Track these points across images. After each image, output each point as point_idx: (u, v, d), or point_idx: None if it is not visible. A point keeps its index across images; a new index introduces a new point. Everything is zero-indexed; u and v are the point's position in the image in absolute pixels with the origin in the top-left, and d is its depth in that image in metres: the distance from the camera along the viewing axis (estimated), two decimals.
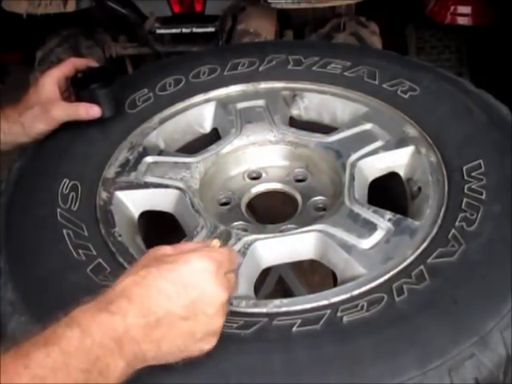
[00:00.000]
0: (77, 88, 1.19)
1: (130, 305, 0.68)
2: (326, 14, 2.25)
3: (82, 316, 0.66)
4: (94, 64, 1.25)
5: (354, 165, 1.10)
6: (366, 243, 0.95)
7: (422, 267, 0.88)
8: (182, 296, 0.70)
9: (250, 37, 1.99)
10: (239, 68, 1.32)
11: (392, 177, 1.13)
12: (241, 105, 1.25)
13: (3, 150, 1.18)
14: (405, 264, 0.90)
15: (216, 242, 0.81)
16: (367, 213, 1.00)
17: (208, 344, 0.74)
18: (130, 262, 0.94)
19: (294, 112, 1.29)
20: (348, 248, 0.95)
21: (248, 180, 1.21)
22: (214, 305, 0.72)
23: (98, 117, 1.17)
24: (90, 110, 1.16)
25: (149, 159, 1.14)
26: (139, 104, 1.27)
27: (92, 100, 1.17)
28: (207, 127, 1.28)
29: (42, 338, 0.63)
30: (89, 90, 1.17)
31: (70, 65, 1.21)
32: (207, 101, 1.28)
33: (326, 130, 1.22)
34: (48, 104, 1.15)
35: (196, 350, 0.73)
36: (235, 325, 0.83)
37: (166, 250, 0.77)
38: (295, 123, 1.27)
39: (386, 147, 1.12)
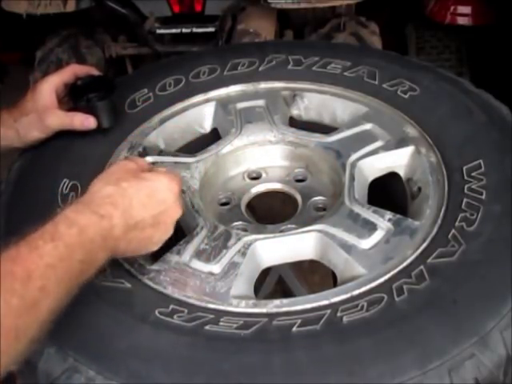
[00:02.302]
0: (74, 97, 1.17)
1: (116, 210, 0.83)
2: (325, 14, 2.25)
3: (79, 217, 0.80)
4: (95, 72, 1.23)
5: (353, 165, 1.09)
6: (366, 243, 0.95)
7: (421, 267, 0.88)
8: (154, 207, 0.88)
9: (249, 37, 1.99)
10: (239, 68, 1.32)
11: (392, 177, 1.13)
12: (241, 105, 1.25)
13: None
14: (405, 264, 0.90)
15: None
16: (367, 213, 0.99)
17: (156, 246, 0.92)
18: (129, 263, 0.94)
19: (294, 112, 1.29)
20: (348, 248, 0.95)
21: (248, 180, 1.21)
22: (172, 218, 0.91)
23: (93, 128, 1.16)
24: (85, 121, 1.15)
25: (149, 159, 1.14)
26: (139, 104, 1.27)
27: (89, 110, 1.16)
28: (207, 127, 1.28)
29: (47, 235, 0.75)
30: (86, 99, 1.16)
31: (71, 71, 1.20)
32: (207, 101, 1.28)
33: (326, 129, 1.22)
34: (44, 112, 1.14)
35: (147, 250, 0.91)
36: (235, 325, 0.83)
37: (131, 165, 0.92)
38: (295, 123, 1.27)
39: (386, 147, 1.12)
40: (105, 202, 0.83)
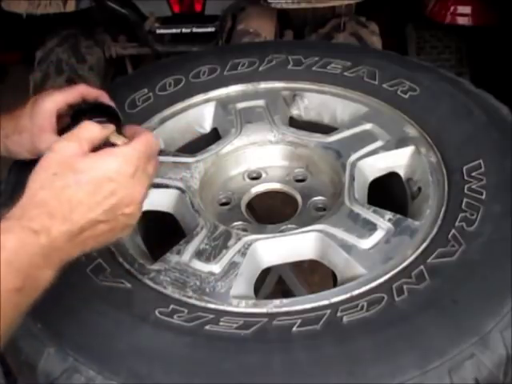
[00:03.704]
0: (75, 123, 1.01)
1: (53, 220, 0.71)
2: (325, 14, 2.25)
3: (7, 239, 0.68)
4: (104, 98, 1.09)
5: (353, 165, 1.09)
6: (366, 243, 0.95)
7: (422, 267, 0.88)
8: (103, 204, 0.75)
9: (249, 37, 1.99)
10: (239, 68, 1.32)
11: (392, 177, 1.13)
12: (241, 105, 1.25)
13: None
14: (405, 264, 0.90)
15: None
16: (367, 213, 0.99)
17: (126, 232, 0.81)
18: (129, 262, 0.94)
19: (294, 112, 1.29)
20: (348, 248, 0.95)
21: (248, 180, 1.21)
22: (132, 204, 0.78)
23: None
24: None
25: None
26: (139, 104, 1.27)
27: None
28: (207, 127, 1.28)
29: None
30: None
31: (77, 93, 1.06)
32: (207, 101, 1.28)
33: (326, 129, 1.22)
34: (38, 135, 1.03)
35: (115, 239, 0.81)
36: (235, 325, 0.83)
37: (70, 149, 0.77)
38: (295, 123, 1.27)
39: (386, 147, 1.12)
40: (40, 212, 0.72)
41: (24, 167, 1.14)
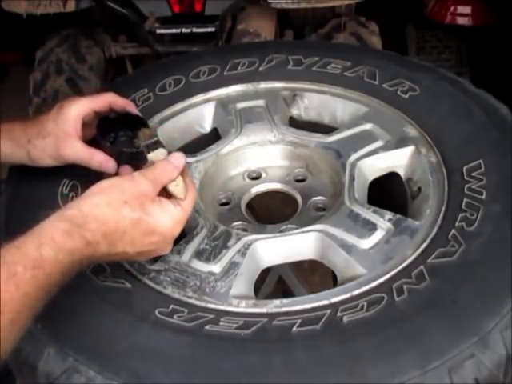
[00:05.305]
0: (101, 132, 1.03)
1: (104, 239, 0.79)
2: (325, 14, 2.26)
3: (67, 242, 0.75)
4: (131, 108, 1.07)
5: (353, 165, 1.10)
6: (366, 243, 0.95)
7: (422, 267, 0.88)
8: (143, 246, 0.84)
9: (249, 37, 2.00)
10: (239, 68, 1.32)
11: (392, 177, 1.13)
12: (241, 105, 1.25)
13: None
14: (405, 264, 0.90)
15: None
16: (367, 213, 0.99)
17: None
18: (129, 262, 0.94)
19: (294, 112, 1.29)
20: (348, 248, 0.95)
21: (248, 180, 1.21)
22: (158, 254, 0.90)
23: (112, 173, 1.01)
24: (104, 164, 1.01)
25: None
26: (139, 104, 1.26)
27: (112, 153, 1.01)
28: (207, 127, 1.28)
29: (29, 260, 0.71)
30: (113, 137, 1.02)
31: (105, 101, 1.05)
32: (207, 101, 1.28)
33: (326, 129, 1.22)
34: (63, 139, 1.01)
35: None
36: (235, 325, 0.83)
37: (147, 189, 0.85)
38: (295, 123, 1.27)
39: (386, 147, 1.12)
40: (97, 228, 0.79)
41: (25, 168, 1.14)
